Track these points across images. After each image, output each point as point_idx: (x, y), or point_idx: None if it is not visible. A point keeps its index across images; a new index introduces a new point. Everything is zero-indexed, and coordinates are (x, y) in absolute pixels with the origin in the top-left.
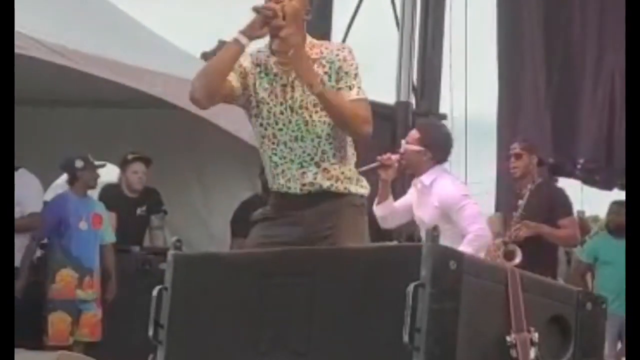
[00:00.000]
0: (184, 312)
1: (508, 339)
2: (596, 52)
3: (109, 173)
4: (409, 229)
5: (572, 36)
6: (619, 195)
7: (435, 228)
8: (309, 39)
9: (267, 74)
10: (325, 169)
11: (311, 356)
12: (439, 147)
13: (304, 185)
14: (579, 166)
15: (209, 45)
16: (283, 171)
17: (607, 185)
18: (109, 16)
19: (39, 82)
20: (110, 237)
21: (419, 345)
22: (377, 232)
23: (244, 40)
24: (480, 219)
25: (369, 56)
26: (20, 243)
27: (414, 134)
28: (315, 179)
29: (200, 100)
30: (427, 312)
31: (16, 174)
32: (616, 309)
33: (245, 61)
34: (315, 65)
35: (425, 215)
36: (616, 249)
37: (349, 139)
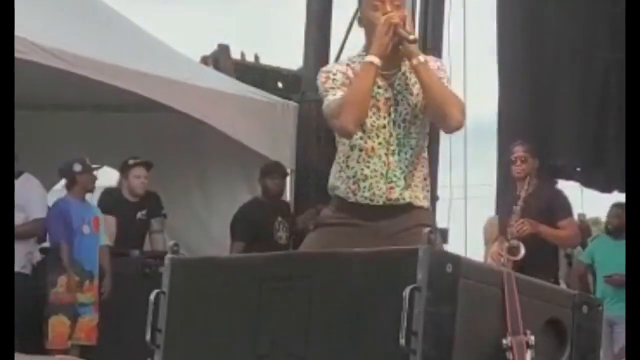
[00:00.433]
0: (182, 316)
1: (504, 341)
2: (589, 52)
3: (105, 177)
4: None
5: (565, 37)
6: (618, 197)
7: (432, 231)
8: None
9: None
10: (409, 184)
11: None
12: None
13: (388, 199)
14: (578, 169)
15: (209, 49)
16: (370, 185)
17: (606, 188)
18: (109, 20)
19: (39, 86)
20: (104, 239)
21: (416, 348)
22: None
23: (377, 61)
24: None
25: None
26: (24, 249)
27: None
28: (401, 194)
29: (353, 131)
30: (423, 315)
31: (20, 178)
32: (617, 310)
33: (348, 71)
34: None
35: None
36: (615, 251)
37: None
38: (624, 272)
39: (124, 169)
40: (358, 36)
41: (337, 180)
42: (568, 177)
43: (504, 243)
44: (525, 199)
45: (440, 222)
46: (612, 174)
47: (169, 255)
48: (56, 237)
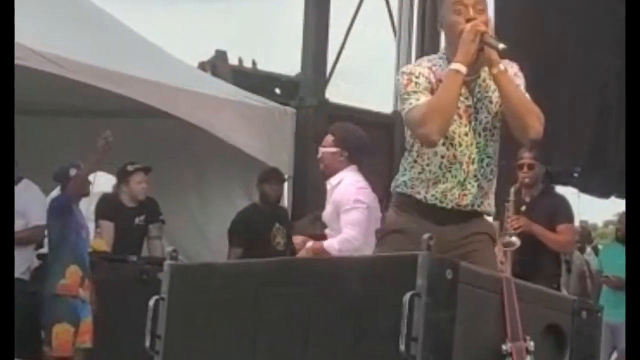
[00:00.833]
0: (181, 322)
1: (504, 347)
2: (588, 57)
3: (100, 182)
4: None
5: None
6: (616, 203)
7: (431, 237)
8: None
9: None
10: (482, 193)
11: None
12: (353, 148)
13: (458, 205)
14: (575, 174)
15: (206, 55)
16: (446, 188)
17: (604, 194)
18: (106, 26)
19: (36, 91)
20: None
21: (415, 354)
22: None
23: (464, 69)
24: (359, 227)
25: (367, 65)
26: (24, 255)
27: (328, 137)
28: (472, 202)
29: (437, 140)
30: (423, 321)
31: (20, 184)
32: (612, 317)
33: (430, 75)
34: None
35: (325, 213)
36: (623, 256)
37: None
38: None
39: (122, 175)
40: (357, 39)
41: (416, 181)
42: (565, 183)
43: (501, 237)
44: (530, 204)
45: None
46: (610, 180)
47: (167, 261)
48: (61, 228)
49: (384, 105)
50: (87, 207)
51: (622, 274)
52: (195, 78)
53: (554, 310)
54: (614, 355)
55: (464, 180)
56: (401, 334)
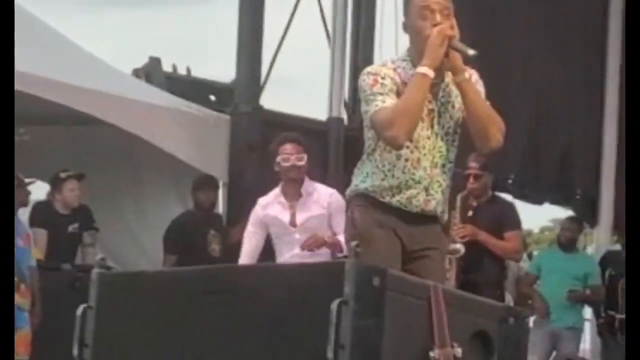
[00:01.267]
0: (109, 331)
1: (432, 354)
2: (522, 67)
3: (34, 190)
4: None
5: (500, 53)
6: (550, 209)
7: (357, 245)
8: None
9: None
10: (442, 194)
11: None
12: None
13: (423, 210)
14: (509, 181)
15: (140, 62)
16: (411, 194)
17: (537, 200)
18: (36, 32)
19: None
20: (33, 259)
21: None
22: None
23: (431, 73)
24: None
25: (302, 72)
26: None
27: (299, 147)
28: (435, 206)
29: (404, 143)
30: (351, 328)
31: None
32: (552, 322)
33: (395, 76)
34: None
35: (311, 217)
36: (563, 262)
37: None
38: (575, 285)
39: (56, 183)
40: (291, 45)
41: (376, 188)
42: (500, 190)
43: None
44: (476, 210)
45: None
46: (543, 186)
47: (96, 270)
48: None
49: (318, 112)
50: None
51: (565, 280)
52: (129, 85)
53: (482, 317)
54: (552, 356)
55: (428, 185)
56: (329, 342)
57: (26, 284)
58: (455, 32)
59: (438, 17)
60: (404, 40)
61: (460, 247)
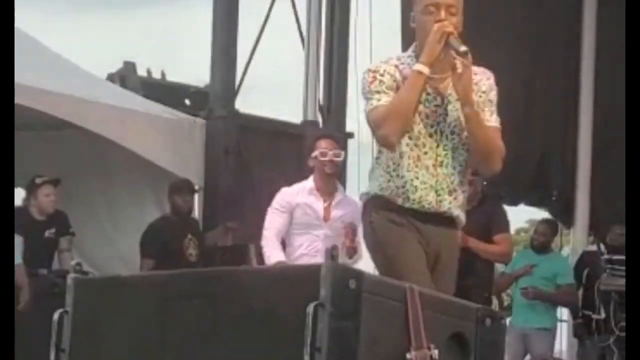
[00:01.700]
0: (86, 336)
1: (408, 356)
2: (501, 73)
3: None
4: None
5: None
6: (525, 210)
7: (335, 247)
8: None
9: None
10: (456, 198)
11: None
12: None
13: (437, 212)
14: (485, 182)
15: (115, 67)
16: (420, 197)
17: (513, 201)
18: None
19: None
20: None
21: None
22: None
23: (426, 70)
24: None
25: (275, 75)
26: None
27: (335, 144)
28: (449, 208)
29: (395, 143)
30: (327, 331)
31: None
32: (522, 323)
33: (395, 73)
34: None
35: (342, 220)
36: (538, 265)
37: None
38: (545, 285)
39: (31, 188)
40: (266, 48)
41: (386, 191)
42: None
43: None
44: (467, 214)
45: None
46: (518, 188)
47: (71, 275)
48: None
49: (293, 115)
50: None
51: (531, 279)
52: (104, 90)
53: (458, 318)
54: (527, 358)
55: (435, 184)
56: (305, 345)
57: None
58: (456, 30)
59: (443, 14)
60: (378, 43)
61: None
